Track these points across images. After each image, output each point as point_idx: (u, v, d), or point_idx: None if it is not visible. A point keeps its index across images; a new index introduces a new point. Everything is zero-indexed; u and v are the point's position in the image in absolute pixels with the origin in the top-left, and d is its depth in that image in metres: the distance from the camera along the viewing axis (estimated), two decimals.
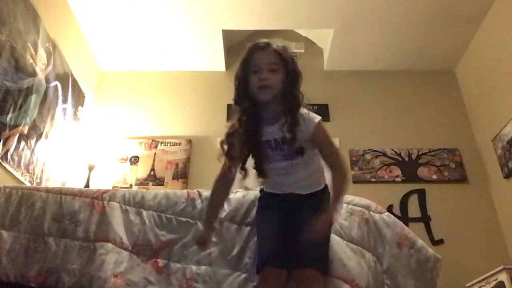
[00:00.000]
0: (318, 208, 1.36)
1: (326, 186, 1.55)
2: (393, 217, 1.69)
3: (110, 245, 1.58)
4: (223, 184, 1.54)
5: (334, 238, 1.52)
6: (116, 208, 1.68)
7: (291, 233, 1.41)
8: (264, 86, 1.41)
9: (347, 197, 1.70)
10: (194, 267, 1.55)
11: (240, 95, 1.48)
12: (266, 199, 1.58)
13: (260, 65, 1.43)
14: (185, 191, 1.76)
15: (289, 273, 1.39)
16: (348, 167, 1.60)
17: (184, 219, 1.66)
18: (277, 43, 1.48)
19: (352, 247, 1.53)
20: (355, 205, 1.67)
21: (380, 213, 1.68)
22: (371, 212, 1.66)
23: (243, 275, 1.52)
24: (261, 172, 1.51)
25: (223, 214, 1.61)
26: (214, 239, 1.58)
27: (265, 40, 1.49)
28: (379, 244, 1.60)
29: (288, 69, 1.45)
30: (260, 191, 1.63)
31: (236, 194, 1.72)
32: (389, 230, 1.62)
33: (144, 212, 1.68)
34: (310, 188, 1.51)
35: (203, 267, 1.55)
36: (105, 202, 1.69)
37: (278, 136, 1.45)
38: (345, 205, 1.66)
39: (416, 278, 1.55)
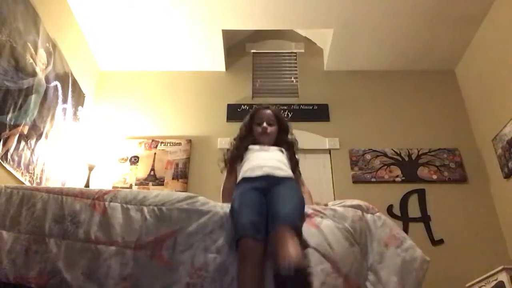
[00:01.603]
0: (291, 185, 1.76)
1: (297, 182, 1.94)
2: (384, 217, 1.72)
3: (113, 248, 1.57)
4: (227, 192, 1.98)
5: (325, 222, 1.59)
6: (117, 209, 1.67)
7: (267, 208, 1.60)
8: (265, 133, 2.07)
9: (340, 200, 1.78)
10: (201, 256, 1.53)
11: (245, 135, 2.10)
12: (245, 184, 1.80)
13: (262, 119, 2.10)
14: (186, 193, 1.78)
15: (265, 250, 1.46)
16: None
17: (186, 206, 1.65)
18: (273, 108, 2.19)
19: (345, 234, 1.56)
20: (349, 207, 1.70)
21: (373, 213, 1.71)
22: (364, 213, 1.70)
23: None
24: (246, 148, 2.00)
25: None
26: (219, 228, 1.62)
27: (266, 104, 2.26)
28: (369, 242, 1.63)
29: (281, 124, 2.14)
30: (238, 183, 1.87)
31: None
32: (378, 230, 1.66)
33: (145, 208, 1.66)
34: (284, 172, 1.86)
35: (211, 255, 1.53)
36: (106, 203, 1.68)
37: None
38: (338, 207, 1.69)
39: (400, 276, 1.54)
